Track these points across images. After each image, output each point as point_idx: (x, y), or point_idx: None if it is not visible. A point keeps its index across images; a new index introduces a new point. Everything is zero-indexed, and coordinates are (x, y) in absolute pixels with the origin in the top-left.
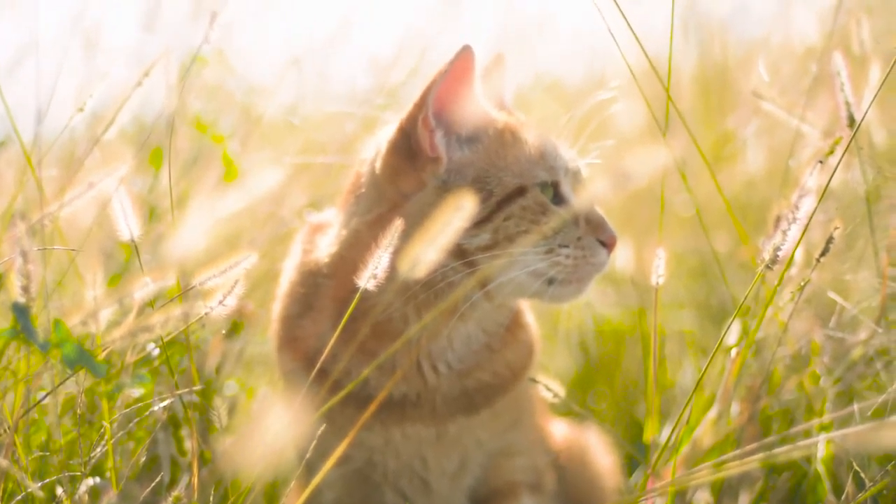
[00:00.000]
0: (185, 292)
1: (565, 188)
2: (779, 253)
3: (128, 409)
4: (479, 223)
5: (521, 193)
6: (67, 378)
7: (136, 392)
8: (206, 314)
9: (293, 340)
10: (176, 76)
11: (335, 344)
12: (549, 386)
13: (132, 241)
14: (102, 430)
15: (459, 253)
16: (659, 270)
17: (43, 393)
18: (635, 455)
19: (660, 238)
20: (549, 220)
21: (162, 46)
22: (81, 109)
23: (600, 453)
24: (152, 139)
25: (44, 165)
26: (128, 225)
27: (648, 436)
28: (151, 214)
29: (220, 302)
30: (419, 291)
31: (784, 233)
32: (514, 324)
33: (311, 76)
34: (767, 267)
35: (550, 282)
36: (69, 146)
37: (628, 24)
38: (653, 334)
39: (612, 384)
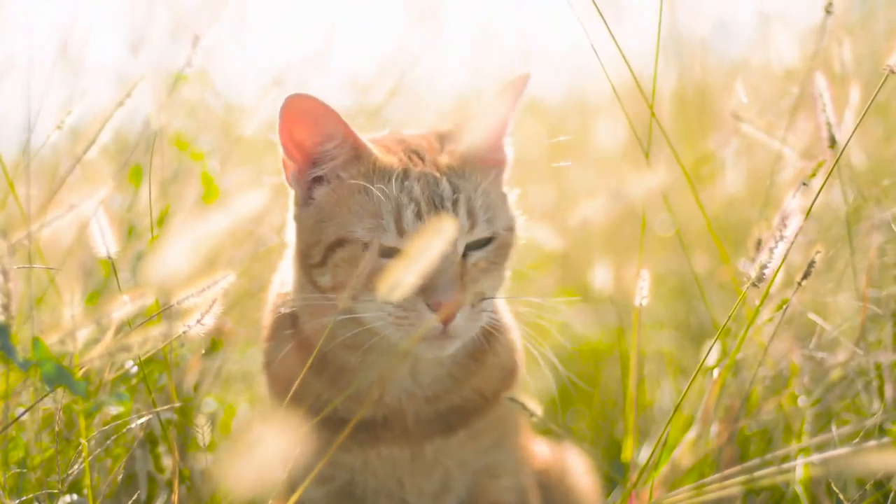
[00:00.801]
0: (163, 311)
1: (397, 242)
2: (765, 271)
3: (106, 427)
4: (319, 265)
5: (340, 244)
6: (45, 395)
7: (115, 409)
8: (184, 333)
9: (270, 367)
10: (158, 95)
11: (308, 374)
12: (526, 405)
13: (110, 258)
14: (80, 447)
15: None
16: (643, 292)
17: (22, 409)
18: (613, 475)
19: (641, 259)
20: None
21: (144, 66)
22: (60, 127)
23: (581, 474)
24: (133, 157)
25: (24, 182)
26: (105, 244)
27: (627, 455)
28: (130, 232)
29: (199, 321)
30: (340, 327)
31: (771, 251)
32: (482, 350)
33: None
34: (754, 284)
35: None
36: (50, 162)
37: (616, 44)
38: (633, 354)
39: (590, 404)
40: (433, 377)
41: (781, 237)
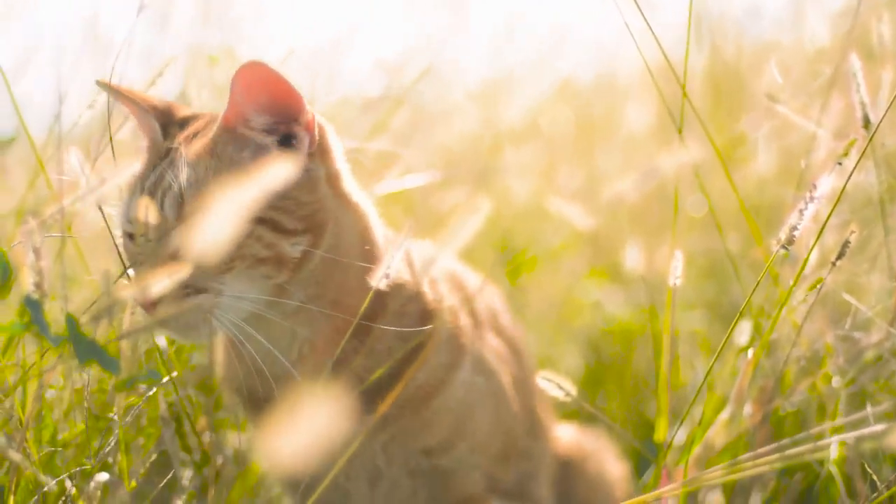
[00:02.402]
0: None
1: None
2: (795, 233)
3: (137, 405)
4: None
5: None
6: (73, 371)
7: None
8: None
9: (227, 380)
10: (188, 75)
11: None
12: (561, 384)
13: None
14: (110, 425)
15: None
16: (676, 272)
17: (55, 389)
18: (646, 454)
19: (674, 239)
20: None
21: (173, 45)
22: (92, 106)
23: (610, 460)
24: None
25: (56, 163)
26: None
27: (660, 435)
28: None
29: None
30: None
31: (801, 212)
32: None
33: (320, 76)
34: (783, 247)
35: None
36: (81, 143)
37: (647, 24)
38: (666, 334)
39: (621, 384)
40: (309, 356)
41: (811, 198)
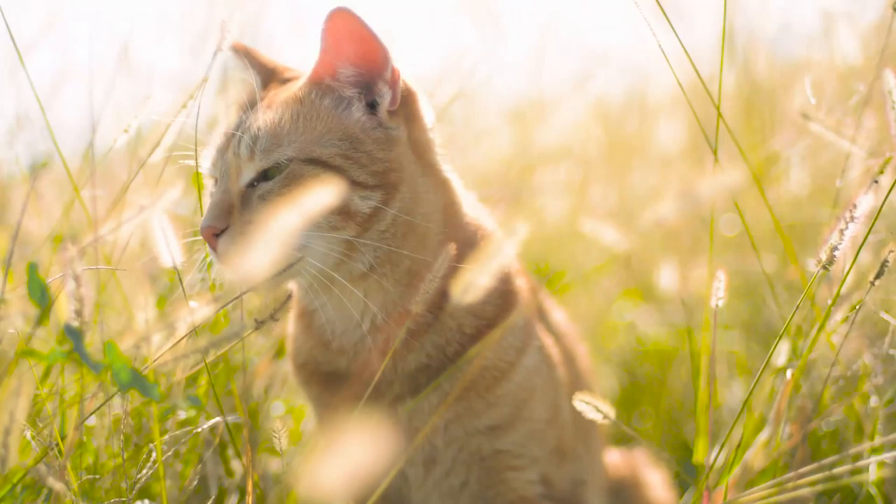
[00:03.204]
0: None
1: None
2: (835, 253)
3: (177, 431)
4: None
5: None
6: (110, 398)
7: (185, 413)
8: (257, 328)
9: (293, 356)
10: (222, 97)
11: (300, 334)
12: (598, 407)
13: (175, 268)
14: (149, 452)
15: None
16: (718, 293)
17: (93, 415)
18: (685, 475)
19: (711, 260)
20: None
21: (201, 69)
22: (126, 131)
23: (658, 487)
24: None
25: (87, 186)
26: (171, 253)
27: (700, 456)
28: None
29: (272, 316)
30: None
31: (841, 232)
32: (437, 306)
33: None
34: (824, 268)
35: None
36: (111, 166)
37: (682, 46)
38: (707, 355)
39: (657, 404)
40: (381, 328)
41: (852, 218)
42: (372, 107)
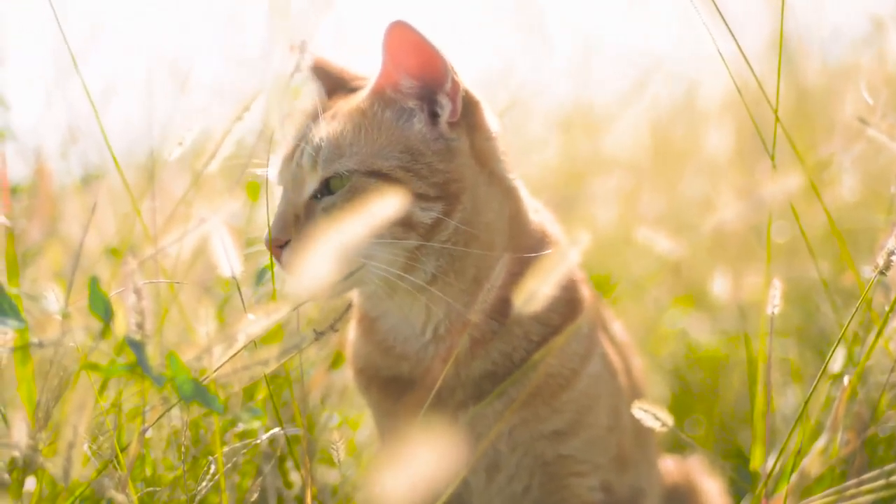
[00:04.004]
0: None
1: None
2: (893, 258)
3: (236, 443)
4: None
5: None
6: (168, 410)
7: (243, 425)
8: (316, 339)
9: (352, 360)
10: (277, 108)
11: (360, 341)
12: (657, 415)
13: (234, 278)
14: (209, 464)
15: None
16: (774, 300)
17: (151, 427)
18: (741, 483)
19: (768, 267)
20: None
21: (247, 79)
22: (181, 143)
23: (714, 495)
24: (246, 173)
25: (143, 198)
26: (230, 263)
27: (756, 463)
28: (250, 245)
29: (331, 326)
30: None
31: None
32: (500, 312)
33: None
34: (881, 273)
35: None
36: (162, 177)
37: (739, 48)
38: (764, 362)
39: (709, 412)
40: (445, 335)
41: None
42: (433, 117)
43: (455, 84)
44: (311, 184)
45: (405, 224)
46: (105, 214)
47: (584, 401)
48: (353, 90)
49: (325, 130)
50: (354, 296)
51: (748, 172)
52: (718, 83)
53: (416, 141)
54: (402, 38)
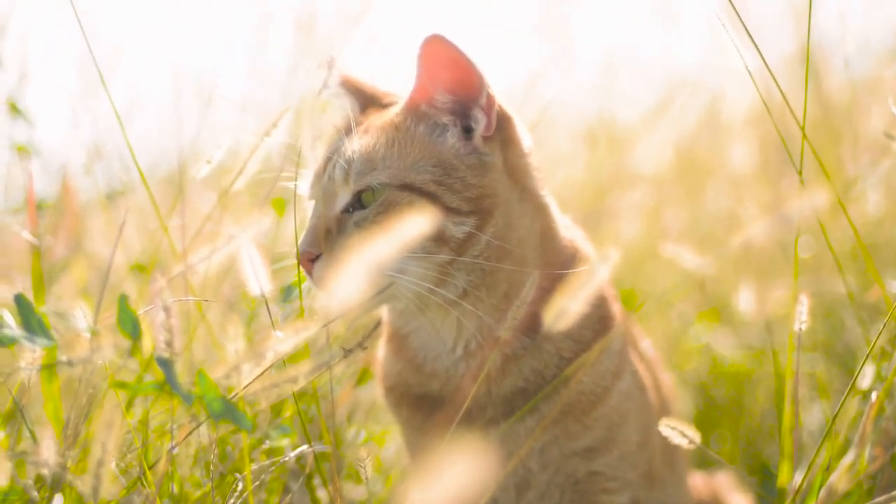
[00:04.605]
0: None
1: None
2: None
3: (264, 461)
4: None
5: None
6: (196, 427)
7: (271, 442)
8: (345, 356)
9: (382, 378)
10: (307, 126)
11: (390, 357)
12: (684, 431)
13: (263, 296)
14: (236, 481)
15: None
16: (802, 316)
17: (178, 444)
18: (768, 498)
19: (795, 282)
20: None
21: (275, 95)
22: (209, 162)
23: None
24: (273, 189)
25: (169, 214)
26: (258, 281)
27: (784, 480)
28: (276, 262)
29: (360, 344)
30: None
31: None
32: (532, 329)
33: None
34: None
35: None
36: (188, 192)
37: (765, 63)
38: (791, 377)
39: (734, 427)
40: (476, 352)
41: None
42: (467, 132)
43: (490, 98)
44: (343, 197)
45: (438, 238)
46: (130, 231)
47: (615, 417)
48: (385, 106)
49: (357, 144)
50: (384, 313)
51: (772, 187)
52: (742, 97)
53: (450, 155)
54: (439, 51)
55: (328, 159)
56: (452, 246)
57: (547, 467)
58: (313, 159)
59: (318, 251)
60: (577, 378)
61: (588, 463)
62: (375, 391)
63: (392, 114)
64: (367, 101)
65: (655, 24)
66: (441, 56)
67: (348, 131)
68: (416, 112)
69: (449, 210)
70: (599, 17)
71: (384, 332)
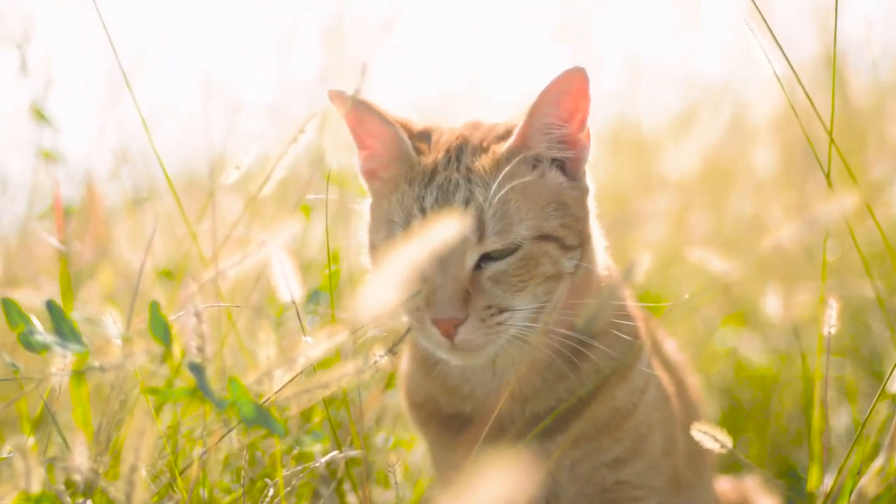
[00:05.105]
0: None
1: None
2: None
3: (295, 466)
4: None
5: (373, 248)
6: (228, 433)
7: (301, 448)
8: (375, 362)
9: (408, 394)
10: (330, 132)
11: (419, 376)
12: (716, 436)
13: (293, 302)
14: (266, 487)
15: None
16: (830, 320)
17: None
18: (797, 502)
19: (823, 286)
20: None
21: (301, 102)
22: (238, 168)
23: None
24: (302, 194)
25: (195, 220)
26: (289, 288)
27: (813, 483)
28: (306, 269)
29: (390, 350)
30: None
31: None
32: (578, 353)
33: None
34: None
35: None
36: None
37: (792, 69)
38: (820, 381)
39: (760, 430)
40: (522, 378)
41: None
42: (570, 163)
43: (589, 130)
44: (474, 255)
45: (556, 278)
46: (155, 236)
47: (643, 429)
48: (423, 139)
49: (480, 195)
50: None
51: (797, 191)
52: (765, 102)
53: (563, 194)
54: (574, 85)
55: (438, 208)
56: (563, 280)
57: (577, 480)
58: (408, 208)
59: (464, 315)
60: (610, 394)
61: (616, 472)
62: (402, 403)
63: (504, 154)
64: (418, 138)
65: (678, 29)
66: (576, 89)
67: (429, 173)
68: (530, 151)
69: (566, 248)
70: (621, 22)
71: (409, 347)
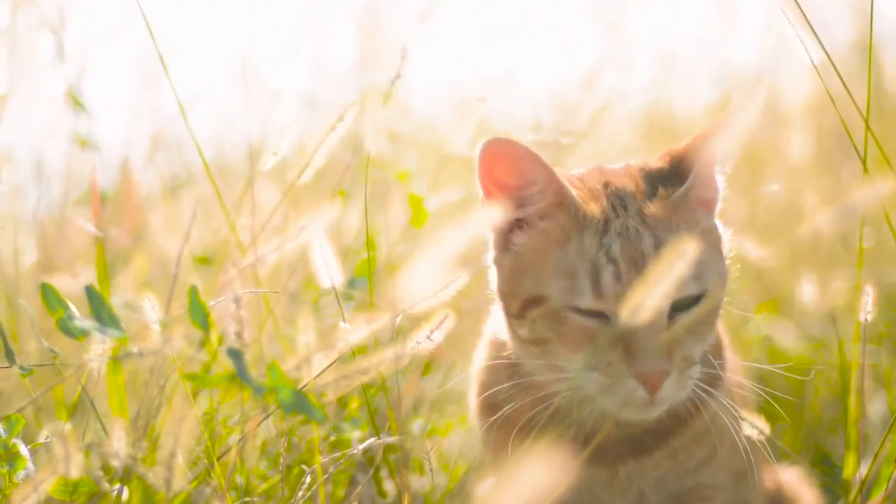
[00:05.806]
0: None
1: (594, 305)
2: None
3: (333, 453)
4: (517, 317)
5: (536, 302)
6: (265, 419)
7: (339, 434)
8: (414, 348)
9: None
10: (370, 118)
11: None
12: (754, 423)
13: (334, 288)
14: (304, 473)
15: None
16: (867, 307)
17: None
18: (834, 489)
19: (859, 273)
20: (574, 333)
21: (335, 90)
22: (275, 153)
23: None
24: (340, 180)
25: (233, 206)
26: (329, 274)
27: (849, 472)
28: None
29: (428, 336)
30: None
31: None
32: None
33: (491, 114)
34: None
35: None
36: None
37: (827, 55)
38: (857, 369)
39: (795, 418)
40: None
41: None
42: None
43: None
44: (669, 303)
45: (715, 322)
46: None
47: (718, 431)
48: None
49: (676, 240)
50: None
51: (832, 177)
52: (800, 88)
53: (716, 236)
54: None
55: (638, 260)
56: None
57: (662, 490)
58: (593, 259)
59: (672, 367)
60: (706, 406)
61: (695, 476)
62: (438, 383)
63: (673, 200)
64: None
65: (711, 16)
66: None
67: (603, 221)
68: (698, 196)
69: (726, 289)
70: (655, 11)
71: (490, 346)
